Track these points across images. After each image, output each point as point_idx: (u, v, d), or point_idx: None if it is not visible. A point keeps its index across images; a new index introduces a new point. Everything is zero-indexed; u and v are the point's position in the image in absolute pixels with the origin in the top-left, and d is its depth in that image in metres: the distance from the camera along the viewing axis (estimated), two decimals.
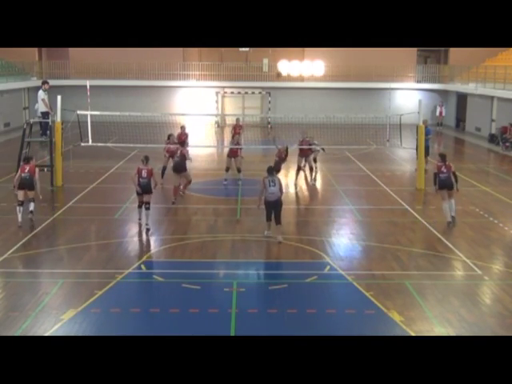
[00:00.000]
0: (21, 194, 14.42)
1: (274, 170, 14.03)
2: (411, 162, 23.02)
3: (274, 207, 13.35)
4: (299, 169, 19.87)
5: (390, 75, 38.56)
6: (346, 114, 30.39)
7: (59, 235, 14.19)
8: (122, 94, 38.26)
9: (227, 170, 19.71)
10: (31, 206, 14.59)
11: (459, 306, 9.96)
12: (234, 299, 10.15)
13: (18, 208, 14.36)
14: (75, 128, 20.24)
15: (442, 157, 15.17)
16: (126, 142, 23.23)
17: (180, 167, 17.03)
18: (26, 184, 14.49)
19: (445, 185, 14.73)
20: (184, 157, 17.23)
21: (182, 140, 19.87)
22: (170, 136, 20.03)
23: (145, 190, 14.33)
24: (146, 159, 14.59)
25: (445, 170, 14.80)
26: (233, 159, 19.86)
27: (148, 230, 14.10)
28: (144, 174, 14.29)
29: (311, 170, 20.12)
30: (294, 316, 9.56)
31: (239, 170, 19.83)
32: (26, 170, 14.59)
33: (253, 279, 11.41)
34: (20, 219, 14.30)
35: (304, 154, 19.87)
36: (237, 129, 24.51)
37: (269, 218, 13.52)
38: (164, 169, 19.75)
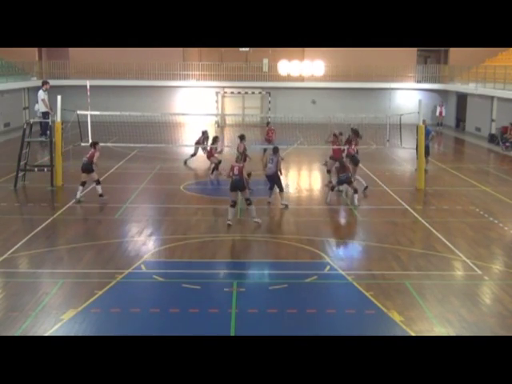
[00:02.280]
0: (83, 176, 16.90)
1: (278, 150, 16.62)
2: (411, 161, 23.03)
3: (271, 179, 16.34)
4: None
5: (390, 75, 38.59)
6: (346, 114, 30.38)
7: (59, 235, 14.18)
8: (122, 94, 38.26)
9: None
10: (98, 190, 16.86)
11: (459, 305, 9.96)
12: (233, 299, 10.14)
13: (79, 187, 16.82)
14: (75, 128, 20.25)
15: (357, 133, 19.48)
16: (126, 142, 23.24)
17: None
18: (84, 168, 16.77)
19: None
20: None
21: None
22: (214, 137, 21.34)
23: (237, 186, 14.63)
24: (241, 155, 15.43)
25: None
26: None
27: (257, 222, 14.68)
28: (236, 170, 14.62)
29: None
30: (293, 316, 9.56)
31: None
32: (87, 156, 16.86)
33: (253, 279, 11.41)
34: (78, 196, 16.77)
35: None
36: (269, 133, 24.50)
37: (270, 188, 16.52)
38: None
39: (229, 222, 14.48)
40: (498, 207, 16.88)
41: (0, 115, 32.91)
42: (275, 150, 16.50)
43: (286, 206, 16.29)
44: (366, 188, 18.50)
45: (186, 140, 27.49)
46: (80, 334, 8.78)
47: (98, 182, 16.92)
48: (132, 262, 11.90)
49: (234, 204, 14.60)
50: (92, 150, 16.97)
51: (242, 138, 19.34)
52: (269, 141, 24.23)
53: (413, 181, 20.07)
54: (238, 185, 14.59)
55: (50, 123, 19.75)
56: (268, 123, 25.80)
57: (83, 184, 16.76)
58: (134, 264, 11.82)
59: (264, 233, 14.21)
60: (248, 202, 14.71)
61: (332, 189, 17.23)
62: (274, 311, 9.74)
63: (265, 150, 24.26)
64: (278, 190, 16.54)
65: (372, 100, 38.43)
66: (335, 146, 19.28)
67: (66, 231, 14.34)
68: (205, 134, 22.18)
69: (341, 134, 19.67)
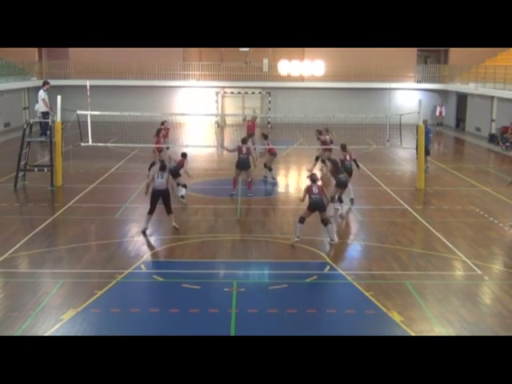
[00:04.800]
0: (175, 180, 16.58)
1: (165, 166, 14.40)
2: (411, 161, 23.02)
3: (160, 196, 13.97)
4: None
5: (390, 75, 38.58)
6: (346, 114, 30.37)
7: (59, 235, 14.19)
8: (122, 94, 38.26)
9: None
10: (181, 191, 16.77)
11: (459, 305, 9.96)
12: (233, 299, 10.15)
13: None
14: (75, 128, 20.25)
15: (343, 147, 17.03)
16: (125, 142, 23.24)
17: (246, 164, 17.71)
18: (172, 174, 15.93)
19: (350, 170, 16.70)
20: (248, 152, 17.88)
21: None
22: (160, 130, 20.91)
23: (319, 207, 13.14)
24: (314, 178, 13.45)
25: (348, 159, 16.73)
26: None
27: (332, 244, 13.20)
28: (315, 190, 13.16)
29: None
30: (293, 316, 9.56)
31: (269, 169, 20.20)
32: (177, 162, 16.97)
33: (253, 279, 11.40)
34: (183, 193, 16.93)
35: None
36: (249, 124, 24.52)
37: (151, 211, 13.98)
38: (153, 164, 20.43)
39: (296, 239, 13.19)
40: (497, 207, 16.88)
41: (0, 115, 32.92)
42: (163, 168, 14.23)
43: (176, 227, 14.19)
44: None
45: (186, 140, 27.49)
46: (80, 334, 8.78)
47: (183, 186, 17.03)
48: (132, 262, 11.91)
49: (303, 220, 13.22)
50: (182, 159, 17.03)
51: (244, 141, 18.75)
52: (250, 135, 24.16)
53: (413, 181, 20.07)
54: (321, 205, 13.13)
55: (50, 123, 19.75)
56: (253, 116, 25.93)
57: (178, 184, 16.77)
58: (134, 264, 11.82)
59: (264, 233, 14.21)
60: (325, 222, 13.25)
61: (340, 200, 15.67)
62: (273, 311, 9.74)
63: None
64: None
65: (372, 100, 38.43)
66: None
67: (66, 231, 14.33)
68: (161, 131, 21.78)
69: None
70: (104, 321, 9.34)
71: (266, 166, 20.23)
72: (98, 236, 13.93)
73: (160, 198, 14.04)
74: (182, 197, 16.92)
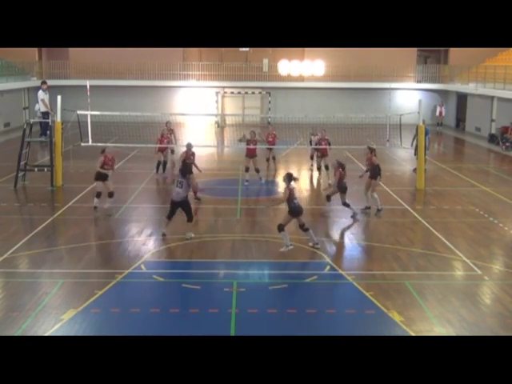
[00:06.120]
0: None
1: (186, 172, 13.60)
2: (411, 162, 23.02)
3: (179, 206, 13.54)
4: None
5: (390, 75, 38.61)
6: (346, 114, 30.39)
7: (59, 235, 14.18)
8: (122, 94, 38.27)
9: (247, 170, 19.74)
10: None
11: (459, 306, 9.96)
12: (233, 299, 10.14)
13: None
14: (75, 128, 20.24)
15: (372, 149, 17.06)
16: (125, 142, 23.23)
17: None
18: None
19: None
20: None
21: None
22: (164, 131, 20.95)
23: (300, 212, 12.76)
24: (290, 178, 12.76)
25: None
26: (251, 160, 19.85)
27: (315, 246, 12.92)
28: (296, 194, 12.88)
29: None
30: (293, 316, 9.56)
31: (257, 171, 19.87)
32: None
33: (253, 279, 11.40)
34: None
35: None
36: (269, 137, 23.95)
37: (169, 217, 13.64)
38: (159, 164, 20.48)
39: (291, 247, 12.70)
40: (498, 207, 16.88)
41: (0, 115, 32.92)
42: (186, 172, 13.59)
43: (189, 238, 13.54)
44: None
45: (186, 140, 27.45)
46: (80, 334, 8.77)
47: (110, 194, 15.86)
48: (132, 262, 11.90)
49: (283, 228, 12.69)
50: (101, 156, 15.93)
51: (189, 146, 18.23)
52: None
53: (413, 181, 20.07)
54: (301, 210, 12.82)
55: (50, 123, 19.76)
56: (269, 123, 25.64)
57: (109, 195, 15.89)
58: (134, 264, 11.82)
59: (264, 233, 14.21)
60: (304, 227, 12.88)
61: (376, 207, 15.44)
62: (273, 311, 9.74)
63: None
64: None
65: (372, 100, 38.45)
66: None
67: (66, 231, 14.33)
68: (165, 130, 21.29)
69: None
70: (104, 321, 9.34)
71: (256, 169, 20.07)
72: (98, 236, 13.92)
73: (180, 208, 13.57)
74: (95, 207, 15.63)
